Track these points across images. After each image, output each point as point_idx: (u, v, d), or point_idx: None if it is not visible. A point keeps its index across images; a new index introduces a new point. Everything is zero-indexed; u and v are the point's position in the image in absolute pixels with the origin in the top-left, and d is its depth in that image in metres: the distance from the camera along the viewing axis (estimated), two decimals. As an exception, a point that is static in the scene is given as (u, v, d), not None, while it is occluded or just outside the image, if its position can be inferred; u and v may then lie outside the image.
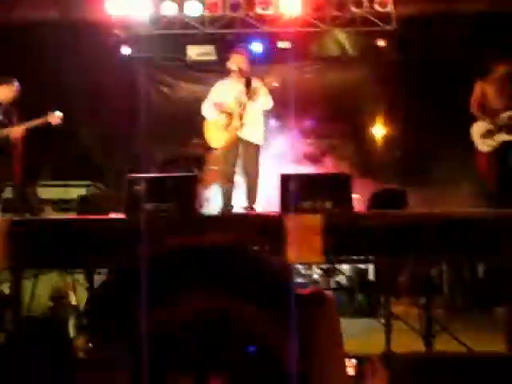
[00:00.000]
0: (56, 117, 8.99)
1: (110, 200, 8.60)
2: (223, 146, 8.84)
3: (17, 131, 9.03)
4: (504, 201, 8.48)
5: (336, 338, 2.32)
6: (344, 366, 2.27)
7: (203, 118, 9.04)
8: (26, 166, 9.61)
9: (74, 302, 13.14)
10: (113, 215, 8.04)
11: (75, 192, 10.29)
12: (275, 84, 8.78)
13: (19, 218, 8.26)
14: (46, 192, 11.13)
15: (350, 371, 3.05)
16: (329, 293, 11.17)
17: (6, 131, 9.01)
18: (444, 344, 8.72)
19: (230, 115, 8.74)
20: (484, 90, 9.24)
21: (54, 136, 11.51)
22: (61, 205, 10.62)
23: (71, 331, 11.78)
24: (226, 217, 8.18)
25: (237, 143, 8.72)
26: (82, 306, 11.05)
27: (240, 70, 8.79)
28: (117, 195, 8.98)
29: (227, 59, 9.14)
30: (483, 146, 9.13)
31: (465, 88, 9.54)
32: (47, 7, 11.91)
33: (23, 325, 7.07)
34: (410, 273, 12.99)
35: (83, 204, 8.41)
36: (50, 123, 9.02)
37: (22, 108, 9.25)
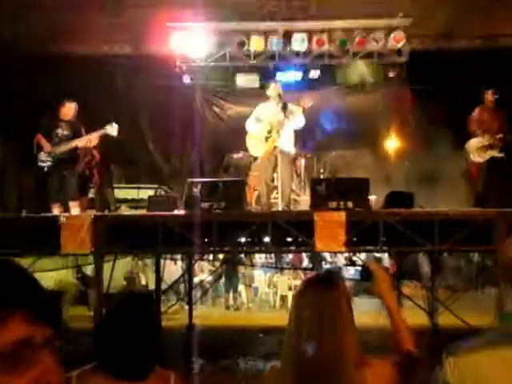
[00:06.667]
0: (113, 128, 8.56)
1: (173, 199, 8.66)
2: (263, 155, 8.85)
3: (91, 140, 8.54)
4: (486, 200, 8.56)
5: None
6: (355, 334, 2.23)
7: (247, 133, 9.06)
8: (103, 172, 9.68)
9: (143, 282, 13.35)
10: (175, 212, 8.13)
11: (145, 193, 10.43)
12: (310, 103, 8.73)
13: (100, 213, 8.38)
14: (122, 193, 11.32)
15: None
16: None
17: (73, 143, 8.55)
18: (445, 319, 8.67)
19: (269, 130, 8.75)
20: (481, 114, 9.21)
21: (127, 147, 11.68)
22: (133, 203, 10.77)
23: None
24: (267, 212, 8.22)
25: (274, 154, 8.71)
26: (149, 285, 11.11)
27: (278, 96, 8.80)
28: (179, 196, 9.07)
29: (267, 87, 9.16)
30: (477, 157, 9.09)
31: (462, 111, 9.49)
32: (122, 43, 12.07)
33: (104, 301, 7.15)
34: (417, 260, 12.95)
35: (152, 203, 8.48)
36: (108, 134, 8.55)
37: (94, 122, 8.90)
